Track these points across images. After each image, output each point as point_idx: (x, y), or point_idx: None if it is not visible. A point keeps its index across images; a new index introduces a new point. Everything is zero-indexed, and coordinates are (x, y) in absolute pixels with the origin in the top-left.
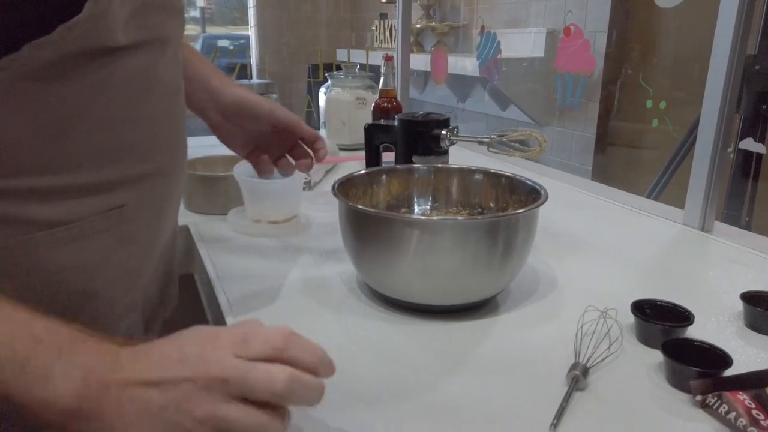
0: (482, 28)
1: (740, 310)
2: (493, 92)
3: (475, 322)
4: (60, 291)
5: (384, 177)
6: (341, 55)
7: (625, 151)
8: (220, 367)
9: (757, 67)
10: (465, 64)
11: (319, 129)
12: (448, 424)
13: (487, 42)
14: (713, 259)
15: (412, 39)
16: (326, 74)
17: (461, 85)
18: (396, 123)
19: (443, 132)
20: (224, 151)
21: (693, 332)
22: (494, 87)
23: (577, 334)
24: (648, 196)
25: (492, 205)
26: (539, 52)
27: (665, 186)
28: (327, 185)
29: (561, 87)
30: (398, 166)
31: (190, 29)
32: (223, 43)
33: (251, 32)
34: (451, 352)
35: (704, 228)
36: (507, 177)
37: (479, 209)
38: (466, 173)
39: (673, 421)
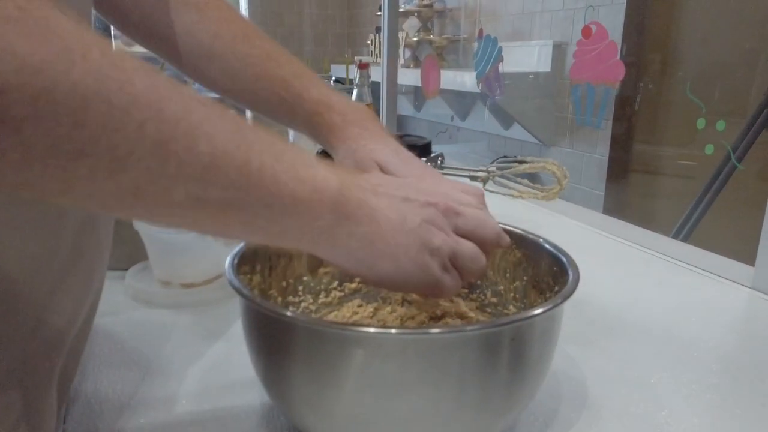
0: (480, 31)
1: None
2: (494, 110)
3: None
4: None
5: None
6: (336, 71)
7: (646, 178)
8: (457, 202)
9: None
10: (464, 79)
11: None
12: None
13: (486, 48)
14: None
15: (408, 54)
16: None
17: (460, 101)
18: None
19: (423, 161)
20: None
21: None
22: (496, 104)
23: None
24: (676, 235)
25: (488, 273)
26: (545, 67)
27: (698, 222)
28: None
29: (579, 102)
30: None
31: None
32: None
33: None
34: None
35: None
36: (513, 234)
37: (466, 286)
38: None
39: None
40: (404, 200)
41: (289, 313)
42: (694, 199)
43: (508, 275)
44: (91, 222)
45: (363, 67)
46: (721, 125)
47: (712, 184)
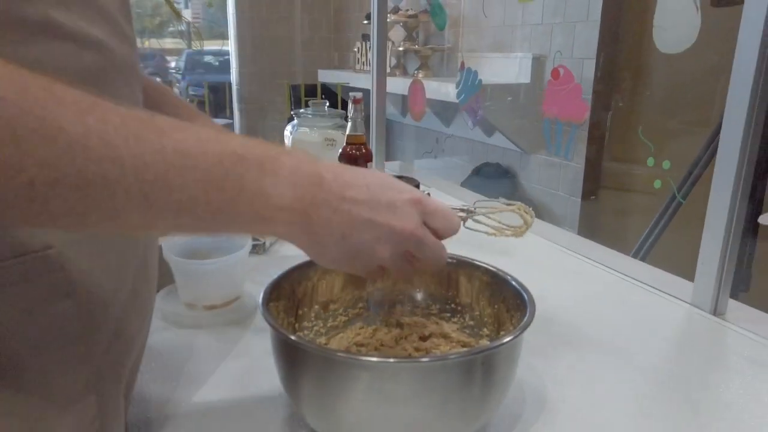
0: (462, 64)
1: None
2: (476, 123)
3: None
4: None
5: (330, 269)
6: (323, 76)
7: (615, 195)
8: (413, 226)
9: None
10: (448, 89)
11: None
12: None
13: (468, 78)
14: (730, 361)
15: (395, 62)
16: (292, 112)
17: (446, 110)
18: None
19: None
20: None
21: None
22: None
23: None
24: (640, 247)
25: (467, 301)
26: (525, 78)
27: (657, 239)
28: (284, 248)
29: (549, 134)
30: None
31: (176, 43)
32: (208, 59)
33: (231, 50)
34: None
35: (716, 311)
36: (487, 271)
37: (452, 305)
38: None
39: None
40: (369, 221)
41: (313, 345)
42: (654, 216)
43: (482, 302)
44: (144, 267)
45: (357, 102)
46: (666, 164)
47: (667, 208)
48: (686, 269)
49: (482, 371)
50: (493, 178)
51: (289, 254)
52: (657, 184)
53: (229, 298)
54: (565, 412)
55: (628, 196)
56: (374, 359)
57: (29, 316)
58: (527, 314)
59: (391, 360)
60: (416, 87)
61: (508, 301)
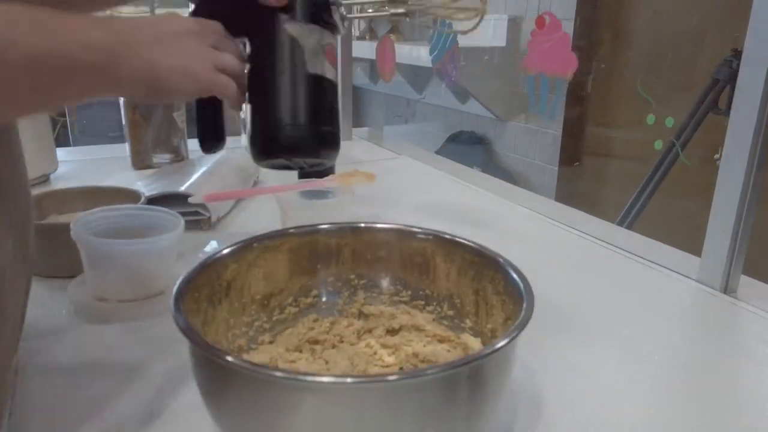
0: (434, 20)
1: None
2: (451, 85)
3: None
4: None
5: (271, 249)
6: None
7: (596, 160)
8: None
9: None
10: (420, 53)
11: (242, 134)
12: None
13: (441, 33)
14: (746, 343)
15: (364, 25)
16: None
17: (418, 76)
18: None
19: None
20: (87, 180)
21: None
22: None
23: None
24: (624, 217)
25: (445, 285)
26: (501, 41)
27: (645, 206)
28: (235, 223)
29: (533, 92)
30: (292, 230)
31: (139, 12)
32: None
33: None
34: None
35: (727, 289)
36: (471, 248)
37: (426, 291)
38: (403, 238)
39: None
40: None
41: (240, 362)
42: (641, 183)
43: (463, 288)
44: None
45: None
46: (670, 122)
47: (655, 172)
48: (672, 237)
49: (468, 387)
50: (468, 145)
51: (241, 231)
52: (658, 144)
53: (149, 293)
54: (564, 416)
55: (613, 161)
56: (325, 379)
57: None
58: (524, 307)
59: (349, 380)
60: (384, 45)
61: (497, 287)
